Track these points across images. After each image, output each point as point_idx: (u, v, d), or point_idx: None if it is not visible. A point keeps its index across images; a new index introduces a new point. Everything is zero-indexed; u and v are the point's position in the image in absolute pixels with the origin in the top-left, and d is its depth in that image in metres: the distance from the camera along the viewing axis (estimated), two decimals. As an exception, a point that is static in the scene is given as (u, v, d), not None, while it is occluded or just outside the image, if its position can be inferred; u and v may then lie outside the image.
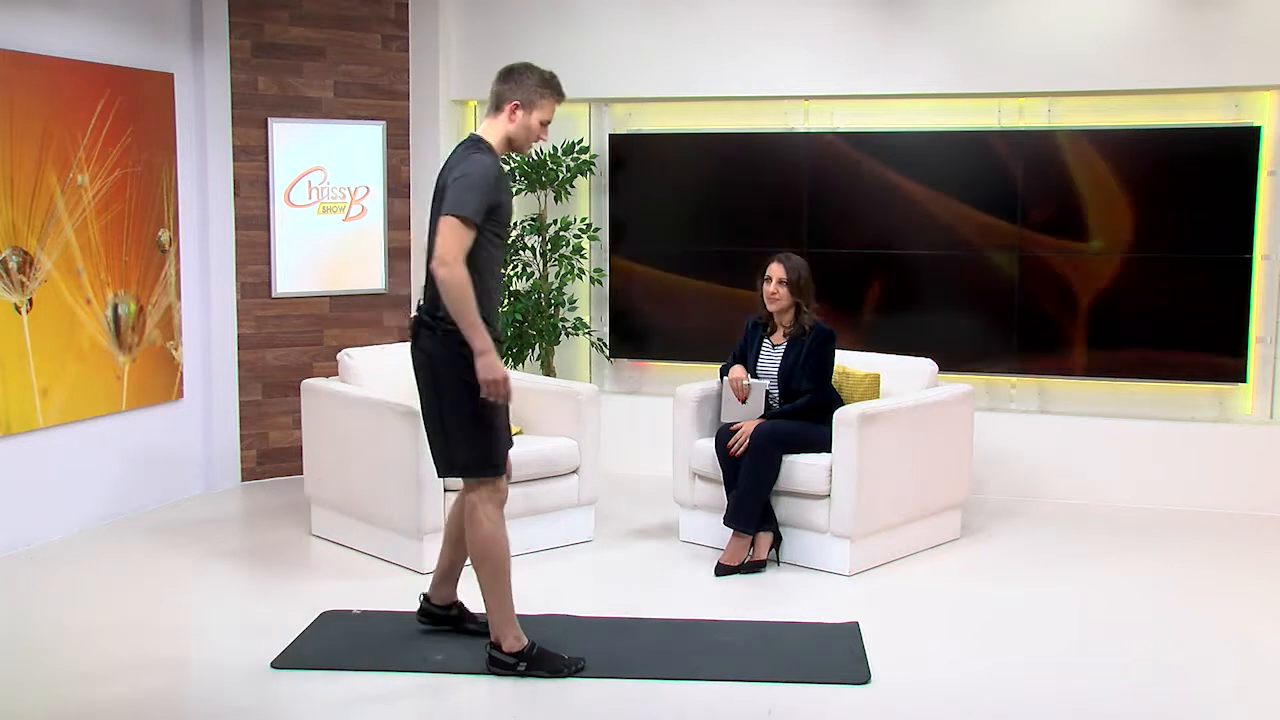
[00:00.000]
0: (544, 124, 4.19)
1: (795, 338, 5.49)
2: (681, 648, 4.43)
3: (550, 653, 4.20)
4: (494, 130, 4.15)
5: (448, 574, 4.50)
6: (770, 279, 5.49)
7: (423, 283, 4.17)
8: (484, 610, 4.24)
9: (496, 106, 4.15)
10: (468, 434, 4.06)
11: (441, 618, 4.51)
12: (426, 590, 4.57)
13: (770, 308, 5.51)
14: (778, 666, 4.27)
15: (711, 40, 6.90)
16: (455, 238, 3.90)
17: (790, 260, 5.51)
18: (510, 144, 4.17)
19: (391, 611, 4.74)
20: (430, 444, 4.19)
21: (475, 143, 4.12)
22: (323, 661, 4.26)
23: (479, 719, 3.95)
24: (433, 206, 4.10)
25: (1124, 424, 6.60)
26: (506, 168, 7.01)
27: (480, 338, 3.93)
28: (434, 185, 4.15)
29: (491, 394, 3.96)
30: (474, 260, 3.95)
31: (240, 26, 6.64)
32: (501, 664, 4.16)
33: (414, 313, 4.20)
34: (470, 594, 4.40)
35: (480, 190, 3.95)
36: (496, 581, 4.14)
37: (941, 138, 6.76)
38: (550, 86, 4.17)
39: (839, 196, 6.88)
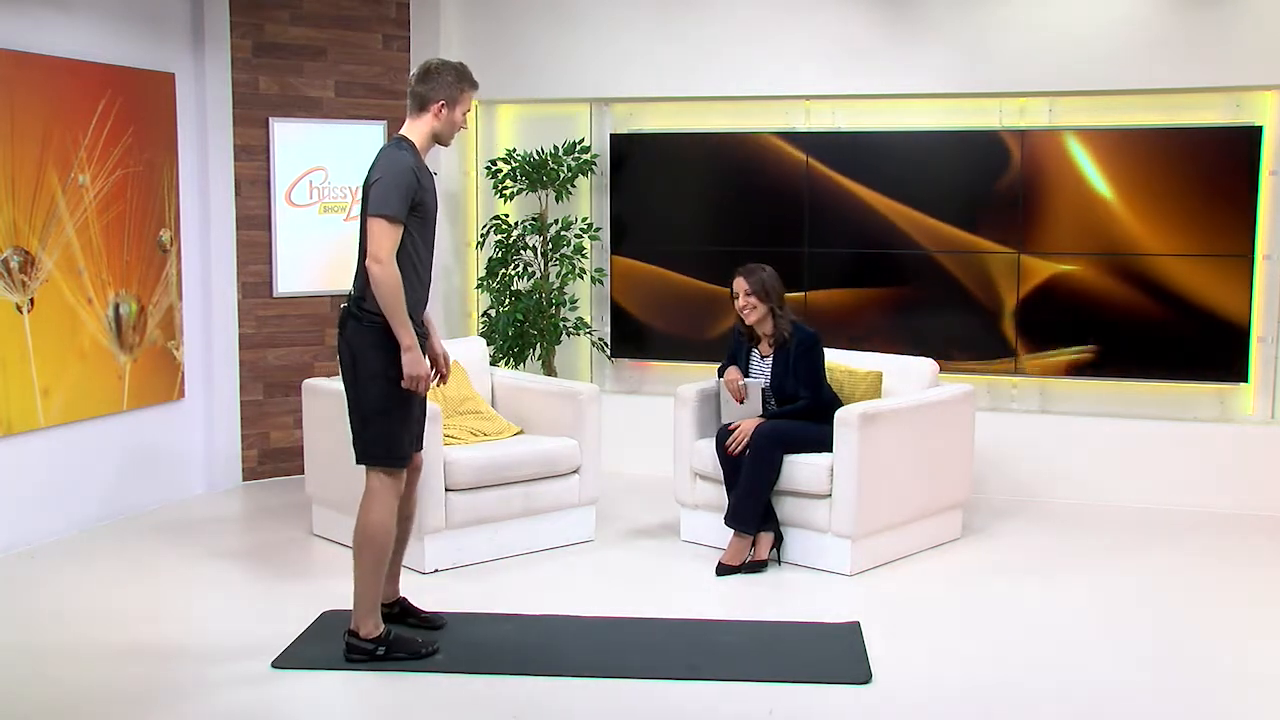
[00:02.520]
0: (464, 114, 4.36)
1: (780, 347, 5.49)
2: (682, 648, 4.43)
3: (407, 636, 4.30)
4: (418, 129, 4.29)
5: (388, 571, 4.51)
6: (737, 295, 5.50)
7: (353, 276, 4.31)
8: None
9: (421, 107, 4.28)
10: (376, 424, 4.21)
11: (385, 616, 4.49)
12: None
13: (748, 320, 5.51)
14: (779, 666, 4.27)
15: (712, 40, 6.90)
16: (385, 235, 4.08)
17: (750, 270, 5.50)
18: (436, 139, 4.33)
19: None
20: (352, 430, 4.30)
21: (397, 143, 4.24)
22: (323, 661, 4.26)
23: (480, 718, 3.95)
24: (361, 205, 4.25)
25: (1125, 424, 6.60)
26: (506, 168, 7.08)
27: (406, 333, 4.11)
28: (362, 185, 4.28)
29: (411, 387, 4.15)
30: (398, 254, 4.13)
31: (241, 26, 6.64)
32: (359, 650, 4.23)
33: (343, 305, 4.33)
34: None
35: (400, 188, 4.10)
36: (374, 569, 4.25)
37: (942, 137, 6.76)
38: (467, 80, 4.34)
39: (839, 196, 6.88)
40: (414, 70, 4.37)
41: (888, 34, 6.67)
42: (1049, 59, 6.44)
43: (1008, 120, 6.72)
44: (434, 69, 4.29)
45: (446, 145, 4.43)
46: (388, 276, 4.07)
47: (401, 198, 4.09)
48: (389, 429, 4.21)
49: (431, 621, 4.55)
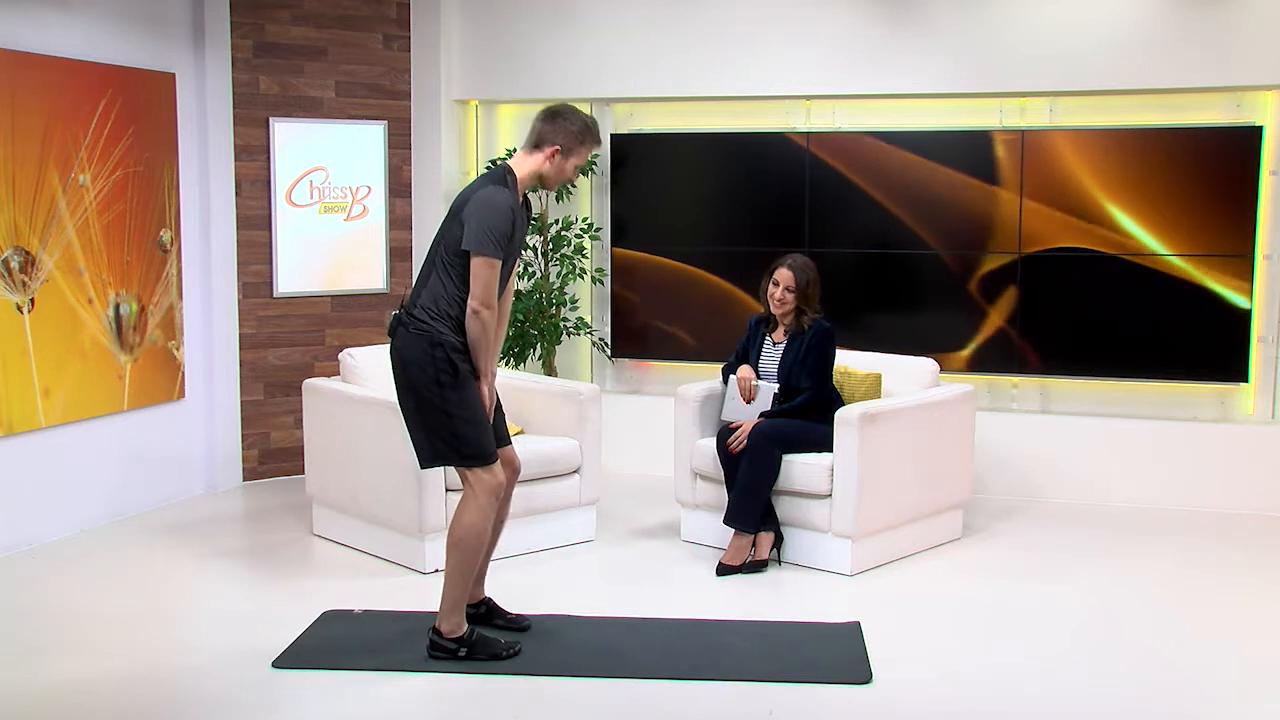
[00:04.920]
0: (576, 168, 4.32)
1: (795, 335, 5.50)
2: (682, 648, 4.43)
3: (490, 637, 4.31)
4: (526, 165, 4.27)
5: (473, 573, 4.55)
6: (778, 284, 5.48)
7: (413, 283, 4.28)
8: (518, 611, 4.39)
9: (536, 145, 4.26)
10: (451, 429, 4.18)
11: (471, 616, 4.53)
12: None
13: (774, 310, 5.51)
14: (779, 666, 4.27)
15: (713, 40, 6.89)
16: (486, 276, 4.10)
17: (797, 265, 5.49)
18: (540, 180, 4.30)
19: (393, 611, 4.75)
20: (411, 437, 4.29)
21: (502, 177, 4.22)
22: (323, 661, 4.26)
23: (479, 719, 3.95)
24: (445, 221, 4.24)
25: (1126, 424, 6.60)
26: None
27: (486, 372, 4.23)
28: (453, 202, 4.28)
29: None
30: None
31: (242, 26, 6.64)
32: (442, 648, 4.25)
33: (394, 312, 4.34)
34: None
35: (495, 230, 4.10)
36: (463, 569, 4.24)
37: (943, 137, 6.76)
38: (592, 135, 4.31)
39: (840, 196, 6.88)
40: (546, 107, 4.32)
41: (888, 34, 6.67)
42: (1049, 59, 6.44)
43: (1008, 120, 6.72)
44: (562, 114, 4.26)
45: (550, 190, 4.48)
46: (487, 321, 4.12)
47: (497, 241, 4.09)
48: (466, 430, 4.18)
49: (517, 623, 4.54)
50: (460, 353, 4.19)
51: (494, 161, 7.16)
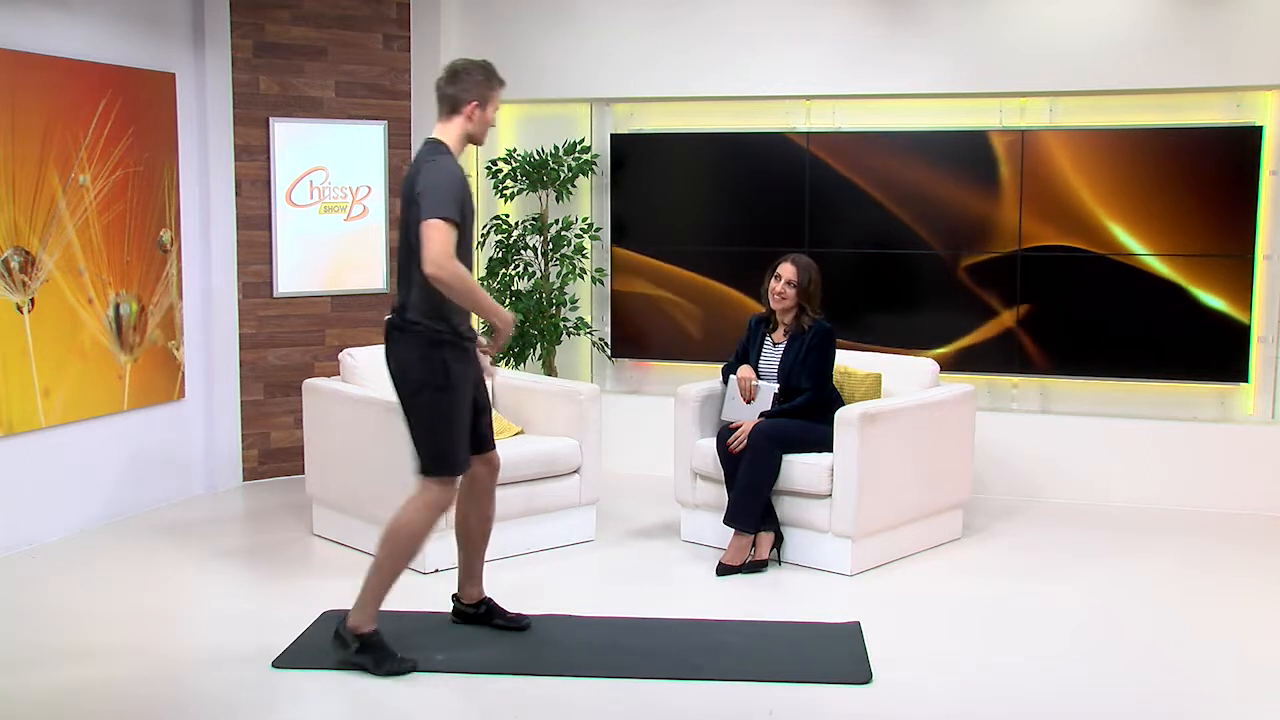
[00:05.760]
0: (494, 113, 4.32)
1: (795, 335, 5.50)
2: (682, 648, 4.43)
3: (388, 647, 4.20)
4: (451, 131, 4.25)
5: (468, 573, 4.56)
6: (780, 278, 5.48)
7: (396, 288, 4.25)
8: (521, 611, 4.39)
9: (453, 109, 4.24)
10: (427, 434, 4.17)
11: (471, 616, 4.56)
12: (455, 592, 4.63)
13: (774, 306, 5.51)
14: (779, 666, 4.27)
15: (713, 40, 6.89)
16: (441, 239, 4.00)
17: (801, 262, 5.49)
18: (470, 139, 4.29)
19: (392, 611, 4.73)
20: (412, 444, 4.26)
21: (434, 147, 4.19)
22: (323, 661, 4.25)
23: (479, 719, 3.95)
24: (403, 214, 4.19)
25: (1126, 424, 6.60)
26: (506, 168, 7.08)
27: (493, 310, 4.15)
28: (401, 192, 4.24)
29: (508, 330, 4.22)
30: None
31: (242, 26, 6.64)
32: (340, 638, 4.21)
33: (386, 317, 4.27)
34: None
35: (454, 192, 4.06)
36: (389, 566, 4.21)
37: (943, 137, 6.76)
38: (495, 77, 4.31)
39: (840, 196, 6.88)
40: (441, 73, 4.29)
41: (888, 34, 6.67)
42: (1049, 59, 6.44)
43: (1008, 120, 6.72)
44: (462, 69, 4.25)
45: (480, 145, 4.40)
46: (454, 273, 3.99)
47: (455, 201, 4.03)
48: (440, 439, 4.17)
49: (517, 623, 4.53)
50: (458, 351, 4.16)
51: (493, 162, 7.17)
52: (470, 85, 4.22)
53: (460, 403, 4.20)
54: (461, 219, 4.08)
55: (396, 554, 4.21)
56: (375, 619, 4.23)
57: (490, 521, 4.55)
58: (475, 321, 4.29)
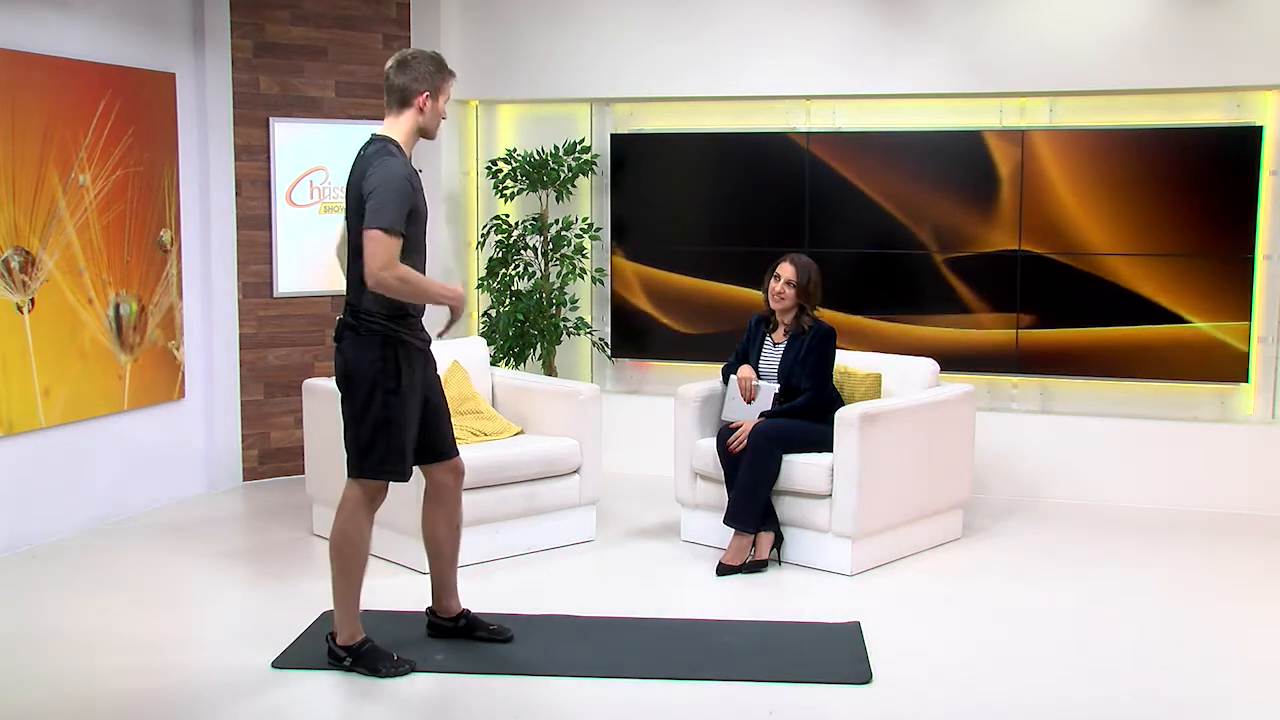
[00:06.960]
0: (445, 104, 4.19)
1: (795, 335, 5.50)
2: (682, 648, 4.43)
3: (381, 651, 4.18)
4: (401, 126, 4.11)
5: (443, 585, 4.47)
6: (779, 277, 5.48)
7: (346, 284, 4.14)
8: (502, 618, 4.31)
9: (403, 102, 4.10)
10: (367, 434, 4.06)
11: (450, 630, 4.46)
12: (430, 605, 4.52)
13: (774, 305, 5.51)
14: (779, 666, 4.27)
15: (713, 40, 6.89)
16: (382, 250, 3.89)
17: (800, 262, 5.49)
18: (421, 133, 4.16)
19: (392, 611, 4.74)
20: (344, 444, 4.16)
21: (382, 146, 4.06)
22: (323, 661, 4.25)
23: (479, 719, 3.95)
24: (348, 210, 4.10)
25: (1126, 424, 6.60)
26: (506, 168, 7.08)
27: (442, 292, 4.05)
28: (345, 189, 4.15)
29: (458, 305, 4.08)
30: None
31: (242, 26, 6.64)
32: (334, 655, 4.18)
33: (339, 317, 4.18)
34: (479, 602, 4.40)
35: (398, 198, 3.95)
36: (344, 576, 4.15)
37: (943, 137, 6.76)
38: (446, 68, 4.16)
39: (840, 196, 6.88)
40: (389, 64, 4.11)
41: (889, 34, 6.67)
42: (1049, 59, 6.44)
43: (1008, 120, 6.72)
44: (410, 59, 4.09)
45: (433, 139, 4.28)
46: (393, 281, 3.90)
47: (399, 209, 3.92)
48: (380, 440, 4.06)
49: (500, 634, 4.42)
50: (414, 351, 4.08)
51: (493, 162, 7.16)
52: (422, 75, 4.06)
53: (409, 408, 4.09)
54: (413, 219, 3.99)
55: (345, 565, 4.14)
56: (360, 627, 4.19)
57: (459, 530, 4.44)
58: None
